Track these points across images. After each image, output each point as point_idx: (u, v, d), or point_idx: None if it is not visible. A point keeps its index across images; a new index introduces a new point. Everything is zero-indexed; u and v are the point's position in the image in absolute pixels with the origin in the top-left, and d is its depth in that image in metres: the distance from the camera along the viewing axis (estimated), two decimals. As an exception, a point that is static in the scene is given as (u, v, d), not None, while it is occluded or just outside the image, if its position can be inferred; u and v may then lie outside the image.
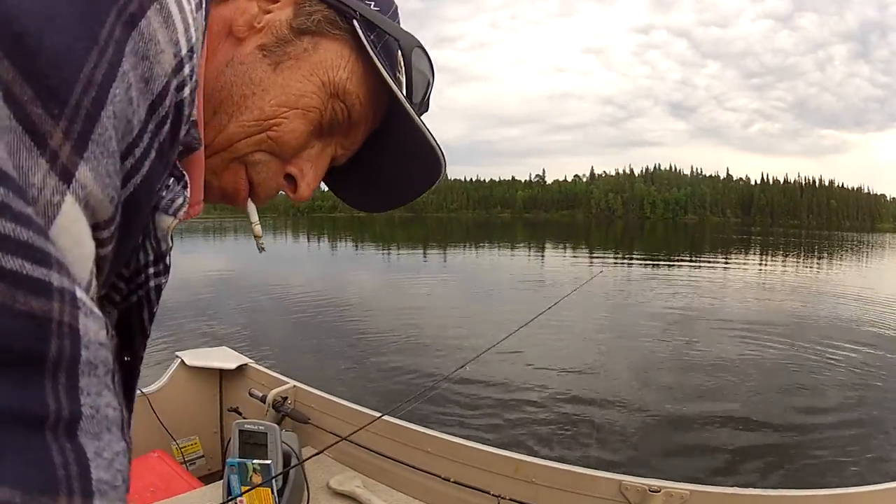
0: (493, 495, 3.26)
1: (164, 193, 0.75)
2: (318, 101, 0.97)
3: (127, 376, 0.80)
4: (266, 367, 4.67)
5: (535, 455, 3.64)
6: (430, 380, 9.66)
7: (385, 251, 52.09)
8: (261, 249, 1.13)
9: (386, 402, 3.15)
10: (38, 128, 0.47)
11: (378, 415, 3.35)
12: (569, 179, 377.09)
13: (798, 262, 45.97)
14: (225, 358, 4.81)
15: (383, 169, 1.18)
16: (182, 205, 0.77)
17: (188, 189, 0.78)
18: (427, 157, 1.10)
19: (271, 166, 0.99)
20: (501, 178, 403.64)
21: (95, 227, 0.55)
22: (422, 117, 1.08)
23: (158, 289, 0.81)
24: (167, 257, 0.80)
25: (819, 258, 50.48)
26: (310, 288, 23.70)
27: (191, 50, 0.67)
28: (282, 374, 4.41)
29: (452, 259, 42.57)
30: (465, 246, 60.35)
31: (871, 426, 8.46)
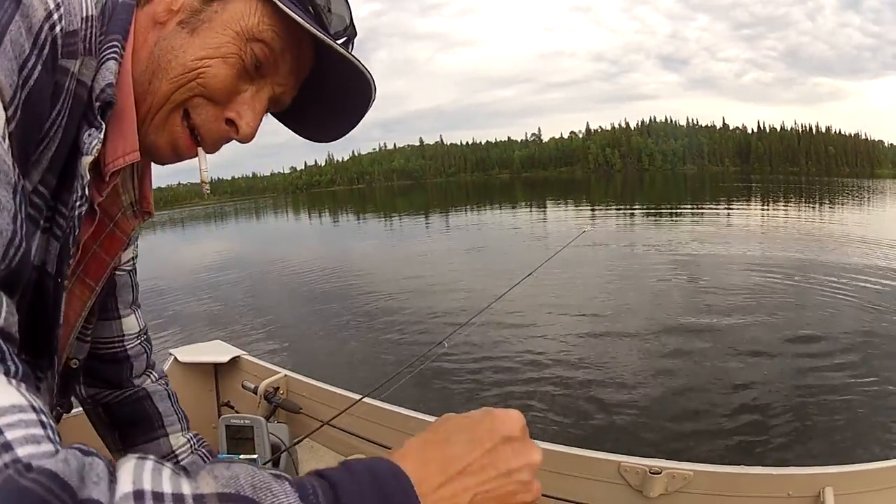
0: None
1: (85, 140, 1.00)
2: (235, 47, 1.11)
3: (58, 295, 1.03)
4: (258, 358, 4.56)
5: (531, 437, 3.32)
6: (415, 357, 9.38)
7: (387, 220, 51.92)
8: (206, 195, 1.40)
9: (376, 381, 3.03)
10: None
11: (358, 397, 3.27)
12: (565, 137, 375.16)
13: (801, 208, 45.63)
14: (218, 351, 4.70)
15: (328, 99, 1.30)
16: (95, 144, 1.00)
17: (101, 132, 1.01)
18: (358, 77, 1.23)
19: (208, 110, 1.14)
20: (498, 140, 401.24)
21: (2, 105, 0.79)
22: (353, 45, 1.30)
23: (80, 216, 1.01)
24: (87, 189, 1.01)
25: (821, 204, 50.13)
26: (312, 263, 23.66)
27: (57, 5, 0.92)
28: (275, 363, 4.33)
29: (454, 223, 42.45)
30: (465, 209, 60.17)
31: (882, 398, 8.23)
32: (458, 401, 8.23)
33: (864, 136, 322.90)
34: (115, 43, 1.05)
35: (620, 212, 44.27)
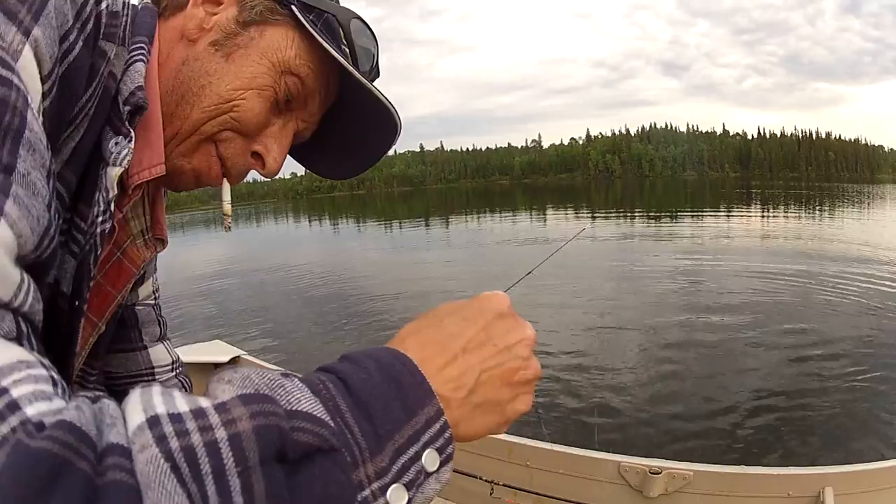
0: (485, 481, 3.16)
1: (112, 149, 0.92)
2: (271, 79, 1.07)
3: (75, 320, 0.97)
4: (258, 358, 4.65)
5: (530, 437, 3.39)
6: None
7: (387, 226, 51.88)
8: (227, 229, 1.27)
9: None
10: (11, 10, 0.73)
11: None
12: (565, 143, 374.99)
13: (801, 213, 45.58)
14: (218, 351, 4.75)
15: (348, 135, 1.28)
16: (126, 155, 0.92)
17: (132, 142, 0.93)
18: (384, 116, 1.19)
19: (237, 143, 1.10)
20: (498, 146, 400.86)
21: (41, 79, 0.76)
22: (375, 82, 1.21)
23: (103, 233, 0.94)
24: (111, 204, 0.94)
25: (821, 209, 50.00)
26: (312, 268, 23.73)
27: None
28: (274, 364, 4.39)
29: (454, 229, 42.41)
30: (465, 215, 60.12)
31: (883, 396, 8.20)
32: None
33: (864, 141, 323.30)
34: (141, 45, 0.99)
35: (620, 217, 44.26)
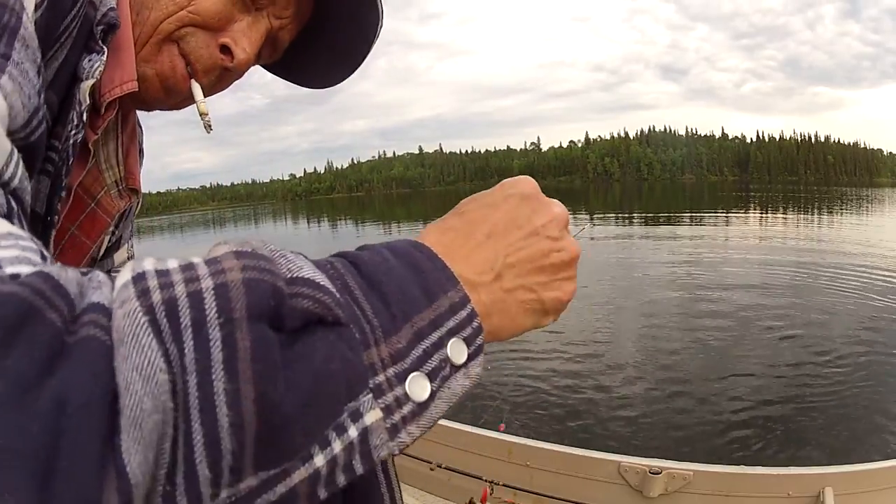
0: (485, 481, 3.15)
1: (85, 66, 0.91)
2: None
3: (47, 235, 0.96)
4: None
5: (529, 437, 3.40)
6: None
7: (386, 228, 51.88)
8: (208, 128, 1.16)
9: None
10: None
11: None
12: (564, 146, 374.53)
13: (799, 217, 45.57)
14: None
15: (331, 35, 1.22)
16: (98, 67, 0.91)
17: (104, 56, 0.92)
18: (367, 8, 1.16)
19: (200, 37, 1.05)
20: (497, 149, 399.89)
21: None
22: None
23: (75, 144, 0.92)
24: (84, 115, 0.92)
25: (819, 213, 50.02)
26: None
27: None
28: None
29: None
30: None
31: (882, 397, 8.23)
32: (462, 405, 8.02)
33: (863, 145, 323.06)
34: None
35: (619, 219, 44.24)
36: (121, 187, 1.22)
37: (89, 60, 0.91)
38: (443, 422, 3.08)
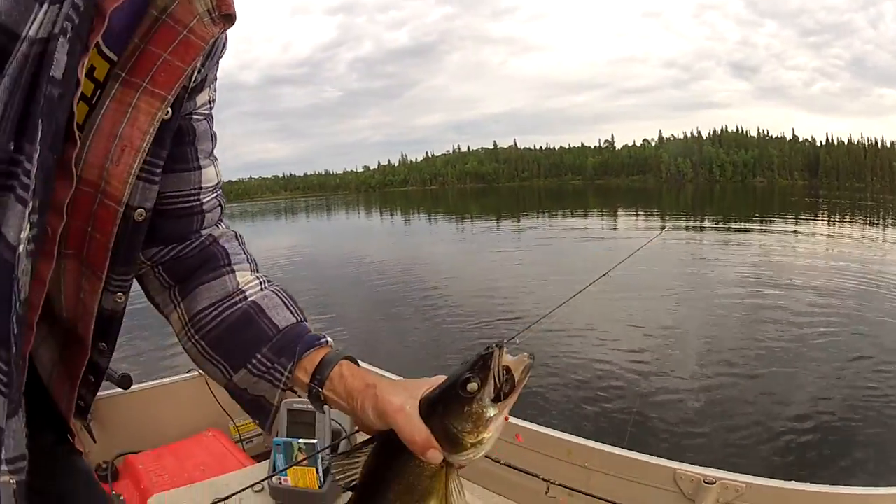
0: (542, 479, 3.17)
1: None
2: None
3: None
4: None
5: (588, 437, 3.35)
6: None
7: (459, 222, 51.79)
8: None
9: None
10: None
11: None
12: (638, 144, 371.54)
13: (867, 227, 44.36)
14: None
15: None
16: None
17: None
18: None
19: None
20: (571, 146, 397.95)
21: None
22: None
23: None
24: None
25: (884, 224, 48.63)
26: (381, 260, 23.83)
27: None
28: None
29: (526, 227, 42.26)
30: (538, 214, 59.85)
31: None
32: (525, 400, 8.00)
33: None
34: None
35: (691, 222, 43.64)
36: (213, 14, 1.23)
37: None
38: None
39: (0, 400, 0.97)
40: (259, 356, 1.38)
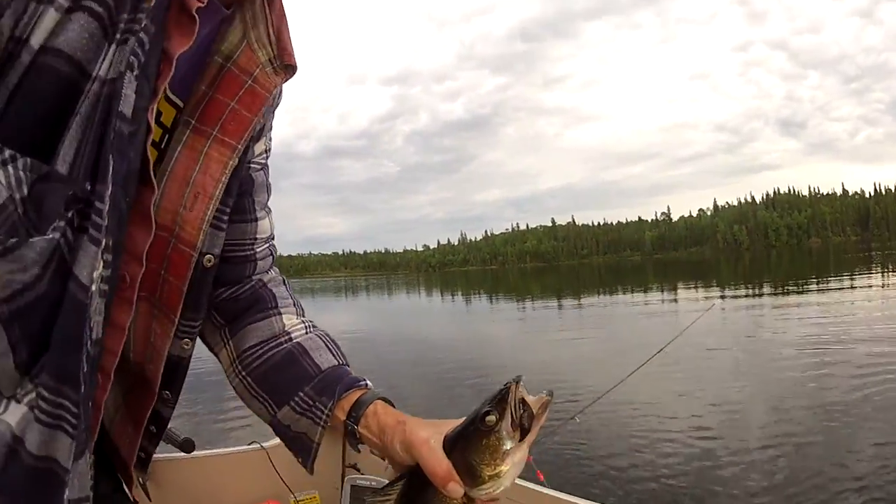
0: None
1: None
2: None
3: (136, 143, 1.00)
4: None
5: None
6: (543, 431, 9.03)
7: (520, 302, 51.64)
8: None
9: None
10: None
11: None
12: (694, 214, 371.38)
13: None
14: None
15: None
16: None
17: None
18: None
19: None
20: (628, 220, 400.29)
21: None
22: None
23: (147, 20, 0.97)
24: None
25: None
26: (442, 339, 24.03)
27: None
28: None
29: (585, 305, 42.05)
30: (597, 292, 59.59)
31: None
32: (587, 476, 8.05)
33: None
34: None
35: (748, 291, 43.14)
36: (275, 64, 1.30)
37: None
38: (572, 499, 3.06)
39: (67, 441, 0.98)
40: (301, 394, 1.44)
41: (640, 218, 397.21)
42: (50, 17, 0.87)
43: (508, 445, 1.18)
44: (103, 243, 0.93)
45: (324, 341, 1.57)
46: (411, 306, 55.95)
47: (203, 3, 1.04)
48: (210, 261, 1.37)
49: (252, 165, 1.51)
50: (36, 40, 0.87)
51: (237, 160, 1.29)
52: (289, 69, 1.33)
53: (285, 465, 4.23)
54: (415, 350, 21.45)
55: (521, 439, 1.20)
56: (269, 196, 1.64)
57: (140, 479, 1.64)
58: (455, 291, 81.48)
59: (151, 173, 1.06)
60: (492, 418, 1.19)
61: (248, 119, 1.27)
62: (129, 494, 1.58)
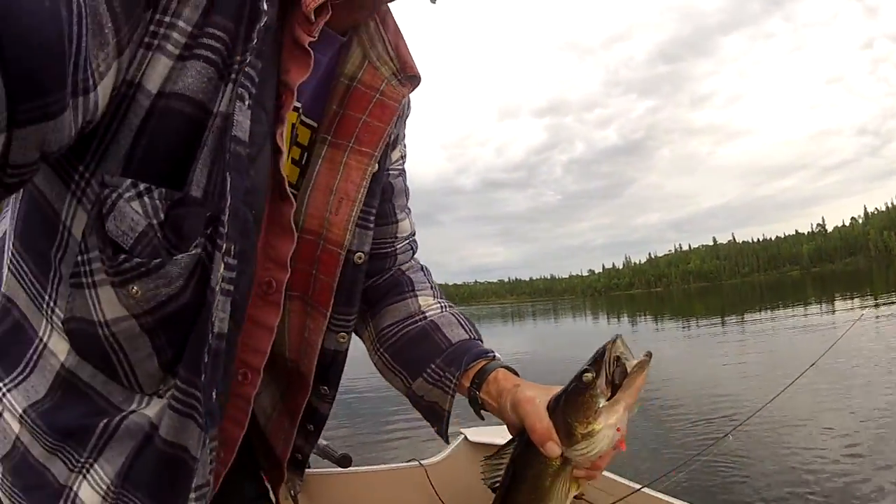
0: None
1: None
2: None
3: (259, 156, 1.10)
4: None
5: None
6: (693, 451, 8.96)
7: (684, 323, 50.79)
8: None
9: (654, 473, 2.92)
10: None
11: (637, 486, 3.15)
12: (846, 224, 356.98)
13: None
14: (506, 433, 4.57)
15: None
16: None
17: None
18: None
19: None
20: (786, 234, 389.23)
21: None
22: None
23: (267, 30, 1.04)
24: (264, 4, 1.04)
25: None
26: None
27: None
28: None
29: (747, 323, 41.01)
30: (759, 310, 58.03)
31: None
32: (743, 496, 7.75)
33: None
34: None
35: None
36: (400, 77, 1.40)
37: None
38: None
39: (197, 431, 1.07)
40: (433, 366, 1.52)
41: (796, 231, 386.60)
42: (162, 63, 0.94)
43: (601, 403, 1.21)
44: (224, 248, 1.00)
45: (457, 318, 1.65)
46: (578, 330, 55.57)
47: (314, 37, 1.12)
48: (360, 258, 1.46)
49: (390, 172, 1.62)
50: (152, 85, 0.94)
51: (376, 166, 1.39)
52: (413, 79, 1.42)
53: (444, 483, 4.24)
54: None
55: (611, 396, 1.21)
56: (407, 199, 1.75)
57: (292, 490, 1.77)
58: (621, 314, 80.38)
59: (288, 190, 1.17)
60: (588, 376, 1.22)
61: (380, 129, 1.37)
62: (274, 499, 1.69)
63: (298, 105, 1.28)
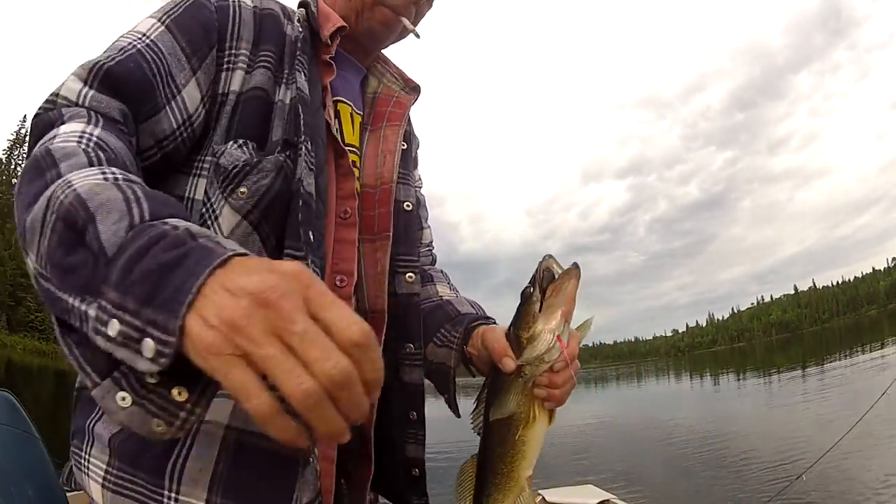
0: None
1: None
2: None
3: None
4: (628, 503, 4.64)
5: None
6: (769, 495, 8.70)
7: (765, 378, 49.98)
8: (416, 35, 1.62)
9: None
10: None
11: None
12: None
13: None
14: (587, 495, 4.76)
15: None
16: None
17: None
18: None
19: None
20: (864, 273, 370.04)
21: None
22: None
23: (303, 68, 1.37)
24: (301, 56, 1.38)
25: None
26: (686, 426, 23.35)
27: None
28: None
29: (827, 370, 40.57)
30: (838, 356, 56.74)
31: None
32: None
33: None
34: None
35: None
36: (405, 89, 1.72)
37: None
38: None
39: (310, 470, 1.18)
40: (442, 330, 1.62)
41: (873, 269, 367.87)
42: (238, 75, 1.30)
43: (537, 308, 1.29)
44: (305, 163, 1.25)
45: (468, 301, 1.78)
46: (660, 391, 54.95)
47: (332, 54, 1.44)
48: (409, 206, 1.60)
49: (418, 187, 1.84)
50: (236, 87, 1.29)
51: (402, 133, 1.62)
52: (415, 90, 1.73)
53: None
54: (658, 436, 21.18)
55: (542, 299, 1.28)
56: (427, 215, 1.97)
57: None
58: (703, 373, 78.10)
59: (341, 142, 1.43)
60: (527, 289, 1.32)
61: (400, 113, 1.65)
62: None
63: (349, 102, 1.58)
